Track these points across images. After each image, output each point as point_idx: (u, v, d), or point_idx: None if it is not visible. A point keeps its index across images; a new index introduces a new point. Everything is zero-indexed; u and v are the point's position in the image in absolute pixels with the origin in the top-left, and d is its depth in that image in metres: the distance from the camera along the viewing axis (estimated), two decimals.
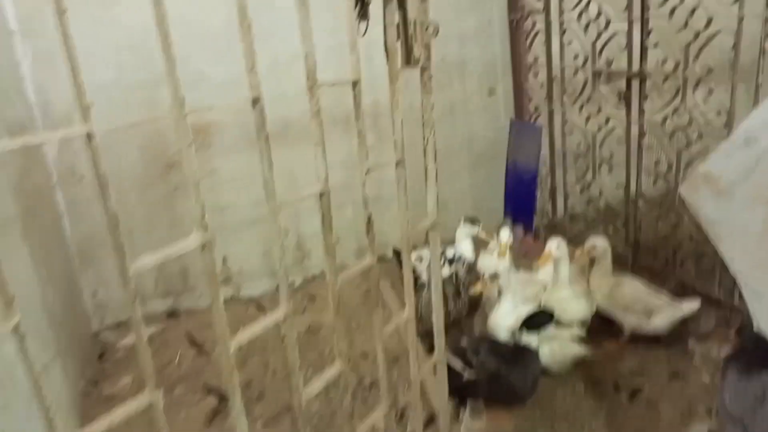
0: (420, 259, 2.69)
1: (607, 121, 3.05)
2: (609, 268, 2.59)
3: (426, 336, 2.23)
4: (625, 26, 2.77)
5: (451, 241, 2.97)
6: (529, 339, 2.26)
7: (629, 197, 3.03)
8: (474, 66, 3.62)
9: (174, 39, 0.86)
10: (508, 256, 2.75)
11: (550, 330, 2.32)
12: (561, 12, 3.16)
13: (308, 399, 1.25)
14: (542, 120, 3.53)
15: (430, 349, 1.88)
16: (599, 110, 3.08)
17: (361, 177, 1.27)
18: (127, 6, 2.75)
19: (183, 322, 3.06)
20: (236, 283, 3.29)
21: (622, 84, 2.85)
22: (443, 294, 2.45)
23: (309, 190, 1.18)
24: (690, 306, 2.45)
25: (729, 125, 2.35)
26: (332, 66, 1.24)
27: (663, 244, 2.92)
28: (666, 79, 2.66)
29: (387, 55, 1.33)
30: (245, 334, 1.07)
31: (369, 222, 1.34)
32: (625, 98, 2.84)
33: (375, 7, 1.30)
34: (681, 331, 2.57)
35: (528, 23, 3.49)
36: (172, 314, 3.15)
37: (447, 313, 2.49)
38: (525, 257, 3.34)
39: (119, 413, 0.90)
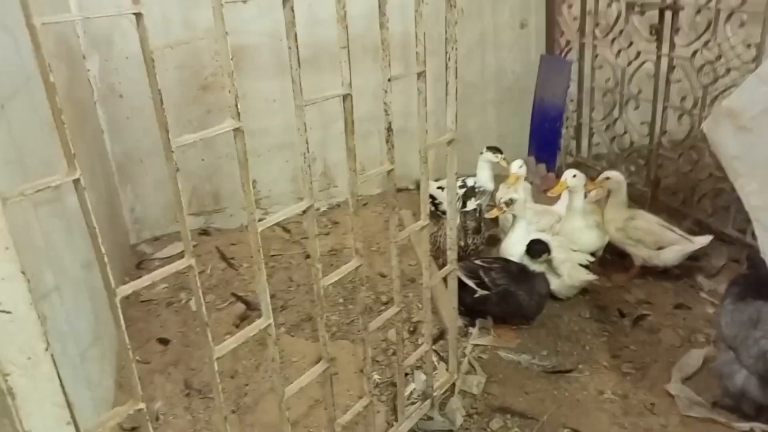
0: (442, 188, 2.78)
1: (638, 55, 3.02)
2: (624, 201, 2.64)
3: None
4: None
5: (473, 174, 3.04)
6: (534, 266, 2.31)
7: (653, 134, 3.04)
8: None
9: None
10: (522, 186, 2.82)
11: (561, 254, 2.40)
12: None
13: (325, 286, 1.38)
14: (572, 55, 3.49)
15: None
16: (630, 44, 3.04)
17: (384, 84, 1.35)
18: None
19: (214, 239, 3.25)
20: (264, 207, 3.45)
21: (655, 16, 2.81)
22: (464, 227, 2.57)
23: (333, 92, 1.26)
24: (701, 241, 2.51)
25: (758, 59, 2.33)
26: None
27: (682, 183, 2.95)
28: (699, 10, 2.61)
29: None
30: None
31: (389, 129, 1.43)
32: (657, 31, 2.80)
33: None
34: (691, 267, 2.64)
35: None
36: (204, 232, 3.34)
37: (465, 245, 2.59)
38: (546, 193, 3.40)
39: (161, 272, 1.03)
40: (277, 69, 3.15)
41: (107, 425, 0.94)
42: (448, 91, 1.60)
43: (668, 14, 2.76)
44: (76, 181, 0.85)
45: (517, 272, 2.32)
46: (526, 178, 3.23)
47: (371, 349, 2.23)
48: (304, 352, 2.28)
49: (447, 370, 2.07)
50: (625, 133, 3.29)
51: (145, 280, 1.01)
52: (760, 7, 2.36)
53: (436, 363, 2.11)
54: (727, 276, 2.55)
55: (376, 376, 2.12)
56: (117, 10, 0.85)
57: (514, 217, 2.48)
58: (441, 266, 2.39)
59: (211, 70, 3.08)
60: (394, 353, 2.20)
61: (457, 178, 2.95)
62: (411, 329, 2.40)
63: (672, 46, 2.78)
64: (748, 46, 2.44)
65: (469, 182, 2.92)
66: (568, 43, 3.53)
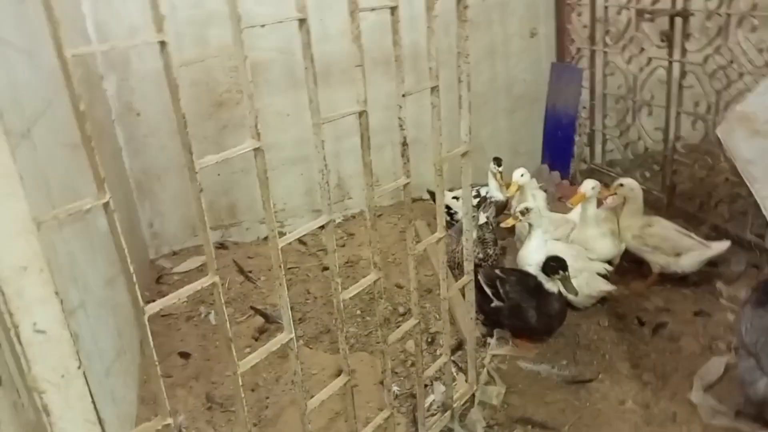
0: (458, 198, 2.80)
1: (649, 61, 3.02)
2: (640, 209, 2.63)
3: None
4: None
5: (487, 183, 3.06)
6: (549, 284, 2.20)
7: (667, 140, 3.03)
8: (515, 6, 3.58)
9: None
10: (531, 194, 2.83)
11: (578, 262, 2.40)
12: None
13: (344, 299, 1.40)
14: (583, 63, 3.50)
15: None
16: (641, 51, 3.04)
17: (397, 99, 1.38)
18: None
19: (231, 253, 3.28)
20: (280, 220, 3.49)
21: (665, 23, 2.81)
22: (482, 239, 2.58)
23: (349, 110, 1.29)
24: (719, 247, 2.49)
25: None
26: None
27: (698, 188, 2.93)
28: (709, 16, 2.61)
29: None
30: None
31: (404, 143, 1.45)
32: (668, 37, 2.80)
33: None
34: (710, 273, 2.61)
35: None
36: (221, 246, 3.38)
37: (486, 256, 2.60)
38: (561, 201, 3.40)
39: (186, 289, 1.05)
40: (289, 83, 3.19)
41: None
42: (461, 104, 1.62)
43: (678, 21, 2.76)
44: (106, 205, 0.88)
45: (533, 288, 2.25)
46: (540, 187, 3.25)
47: (390, 361, 2.25)
48: (323, 365, 2.29)
49: (466, 381, 2.07)
50: (639, 139, 3.28)
51: (172, 298, 1.04)
52: None
53: (455, 374, 2.11)
54: (747, 282, 2.53)
55: (395, 388, 2.12)
56: (142, 40, 0.88)
57: (530, 225, 2.48)
58: (458, 276, 2.40)
59: (226, 86, 3.13)
60: (412, 364, 2.20)
61: (471, 188, 2.99)
62: (429, 340, 2.41)
63: (683, 52, 2.78)
64: (760, 50, 2.44)
65: (482, 191, 2.93)
66: (578, 50, 3.54)
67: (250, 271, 3.05)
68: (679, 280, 2.61)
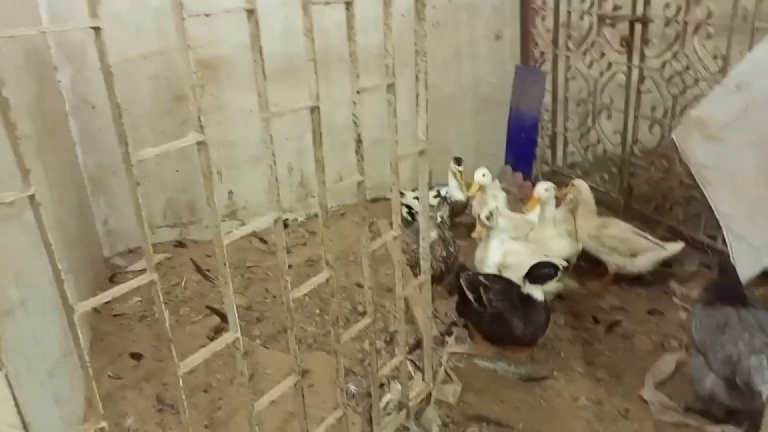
0: (418, 198, 2.79)
1: (609, 66, 3.08)
2: (593, 210, 2.68)
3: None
4: None
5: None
6: (533, 290, 2.15)
7: (625, 143, 3.09)
8: (482, 9, 3.61)
9: None
10: (490, 194, 2.83)
11: (534, 261, 2.41)
12: None
13: (297, 298, 1.37)
14: (547, 66, 3.55)
15: (433, 281, 1.98)
16: (602, 55, 3.10)
17: (352, 96, 1.36)
18: None
19: (189, 251, 3.21)
20: (241, 218, 3.43)
21: (626, 28, 2.87)
22: (443, 237, 2.58)
23: (303, 104, 1.26)
24: (673, 248, 2.55)
25: (724, 70, 2.39)
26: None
27: (654, 190, 3.00)
28: (668, 23, 2.67)
29: None
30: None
31: (359, 141, 1.43)
32: (628, 43, 2.86)
33: None
34: (664, 273, 2.68)
35: None
36: (180, 244, 3.30)
37: (449, 254, 2.60)
38: (522, 202, 3.44)
39: (123, 287, 1.01)
40: (254, 80, 3.13)
41: None
42: (418, 102, 1.61)
43: (638, 26, 2.82)
44: (32, 197, 0.84)
45: (517, 297, 2.19)
46: (503, 187, 3.27)
47: (348, 360, 2.23)
48: (278, 365, 2.25)
49: (423, 379, 2.06)
50: (598, 142, 3.34)
51: (105, 296, 1.00)
52: (726, 20, 2.43)
53: (412, 372, 2.10)
54: (699, 281, 2.60)
55: (352, 387, 2.10)
56: (74, 24, 0.84)
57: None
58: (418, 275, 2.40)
59: (186, 81, 3.06)
60: (370, 363, 2.19)
61: (433, 187, 2.99)
62: (388, 339, 2.40)
63: (642, 57, 2.85)
64: (715, 57, 2.51)
65: (443, 191, 2.94)
66: (542, 54, 3.59)
67: (208, 270, 2.99)
68: (635, 279, 2.67)
